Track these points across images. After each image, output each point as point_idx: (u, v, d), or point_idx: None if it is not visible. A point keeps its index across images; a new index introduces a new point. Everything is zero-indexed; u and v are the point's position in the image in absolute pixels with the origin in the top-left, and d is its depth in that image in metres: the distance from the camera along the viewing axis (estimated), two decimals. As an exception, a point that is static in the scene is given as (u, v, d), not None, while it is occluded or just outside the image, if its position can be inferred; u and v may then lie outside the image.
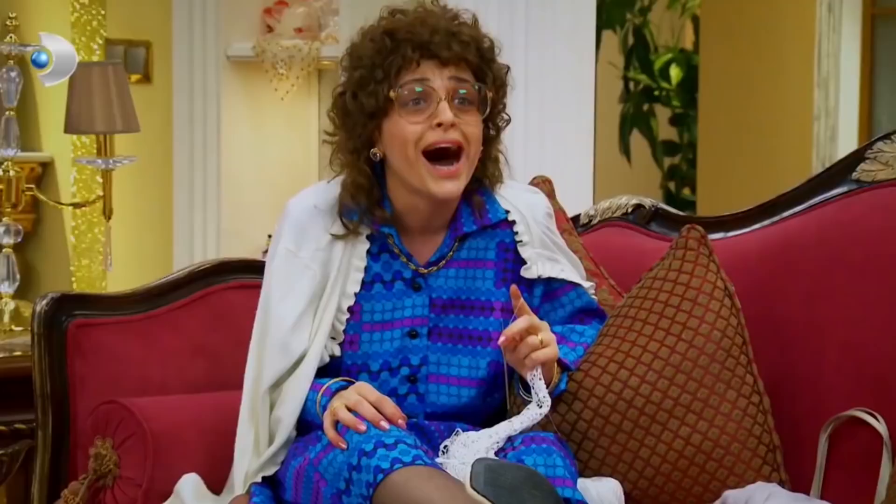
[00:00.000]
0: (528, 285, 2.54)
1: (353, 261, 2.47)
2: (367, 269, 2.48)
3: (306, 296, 2.45)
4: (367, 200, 2.45)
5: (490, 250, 2.52)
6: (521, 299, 2.35)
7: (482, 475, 2.11)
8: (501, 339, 2.33)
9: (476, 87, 2.42)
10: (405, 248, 2.48)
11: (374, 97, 2.40)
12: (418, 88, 2.39)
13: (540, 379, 2.35)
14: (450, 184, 2.40)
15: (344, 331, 2.46)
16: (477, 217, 2.50)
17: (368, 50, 2.41)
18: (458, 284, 2.50)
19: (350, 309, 2.46)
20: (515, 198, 2.55)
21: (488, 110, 2.44)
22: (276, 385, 2.45)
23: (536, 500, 2.11)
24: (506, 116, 2.52)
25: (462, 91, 2.41)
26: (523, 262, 2.53)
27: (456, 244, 2.50)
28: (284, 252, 2.47)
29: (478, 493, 2.10)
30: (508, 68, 2.50)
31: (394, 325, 2.48)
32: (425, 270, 2.49)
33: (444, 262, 2.50)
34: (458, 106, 2.40)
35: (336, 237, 2.46)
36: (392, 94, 2.39)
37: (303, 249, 2.46)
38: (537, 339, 2.33)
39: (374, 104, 2.40)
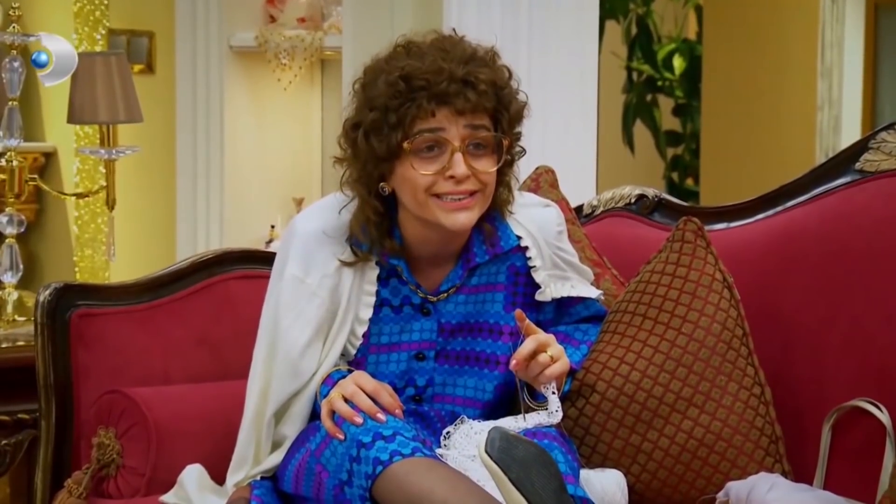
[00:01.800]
0: (538, 304, 2.53)
1: (363, 286, 2.44)
2: (376, 294, 2.45)
3: (315, 322, 2.42)
4: (376, 232, 2.41)
5: (501, 274, 2.50)
6: (527, 321, 2.35)
7: (497, 442, 2.11)
8: (512, 363, 2.33)
9: (492, 134, 2.37)
10: (414, 278, 2.46)
11: (386, 142, 2.34)
12: (432, 138, 2.34)
13: (553, 393, 2.35)
14: (462, 215, 2.36)
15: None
16: (489, 247, 2.47)
17: (382, 92, 2.34)
18: (467, 309, 2.48)
19: (362, 333, 2.45)
20: (526, 218, 2.51)
21: (503, 157, 2.39)
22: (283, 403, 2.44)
23: (543, 479, 2.11)
24: (521, 149, 2.46)
25: (477, 139, 2.35)
26: (534, 285, 2.51)
27: (466, 274, 2.48)
28: (291, 278, 2.42)
29: (490, 458, 2.10)
30: (526, 103, 2.43)
31: (401, 348, 2.47)
32: (434, 298, 2.47)
33: (454, 289, 2.48)
34: (473, 151, 2.35)
35: (344, 264, 2.43)
36: (406, 145, 2.33)
37: (310, 276, 2.42)
38: (547, 357, 2.34)
39: (387, 149, 2.34)
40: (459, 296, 2.47)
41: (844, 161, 2.69)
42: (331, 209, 2.46)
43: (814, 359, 2.56)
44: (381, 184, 2.39)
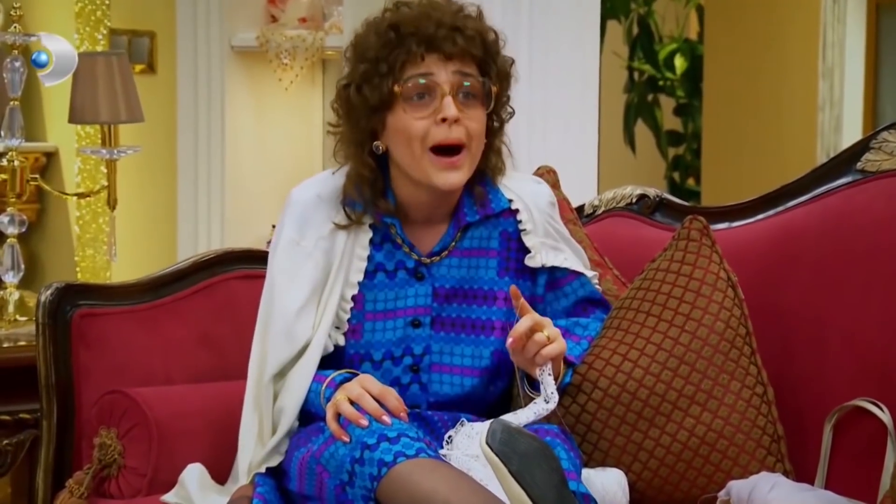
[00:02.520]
0: (531, 274, 2.54)
1: (356, 250, 2.47)
2: (369, 259, 2.48)
3: (309, 284, 2.45)
4: (370, 192, 2.45)
5: (493, 239, 2.52)
6: (522, 298, 2.35)
7: (498, 434, 2.11)
8: (509, 340, 2.33)
9: (480, 81, 2.42)
10: (408, 238, 2.48)
11: (377, 91, 2.39)
12: (422, 82, 2.39)
13: (549, 374, 2.35)
14: (452, 175, 2.40)
15: (347, 320, 2.47)
16: (479, 207, 2.50)
17: (373, 43, 2.41)
18: (460, 274, 2.50)
19: (353, 298, 2.47)
20: (518, 187, 2.55)
21: (492, 104, 2.44)
22: (280, 374, 2.45)
23: (544, 473, 2.11)
24: (510, 109, 2.52)
25: (466, 85, 2.41)
26: (526, 251, 2.53)
27: (459, 234, 2.50)
28: (287, 241, 2.47)
29: (491, 449, 2.10)
30: (513, 61, 2.50)
31: (396, 315, 2.48)
32: (428, 260, 2.49)
33: (446, 252, 2.50)
34: (462, 100, 2.40)
35: (339, 226, 2.47)
36: (396, 88, 2.39)
37: (305, 238, 2.46)
38: (544, 336, 2.34)
39: (378, 98, 2.40)
40: (452, 259, 2.50)
41: (845, 161, 2.69)
42: (325, 177, 2.52)
43: (815, 358, 2.56)
44: (375, 143, 2.43)
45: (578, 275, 2.58)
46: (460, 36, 2.39)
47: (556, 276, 2.56)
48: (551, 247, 2.54)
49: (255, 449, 2.43)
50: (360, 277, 2.47)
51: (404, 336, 2.48)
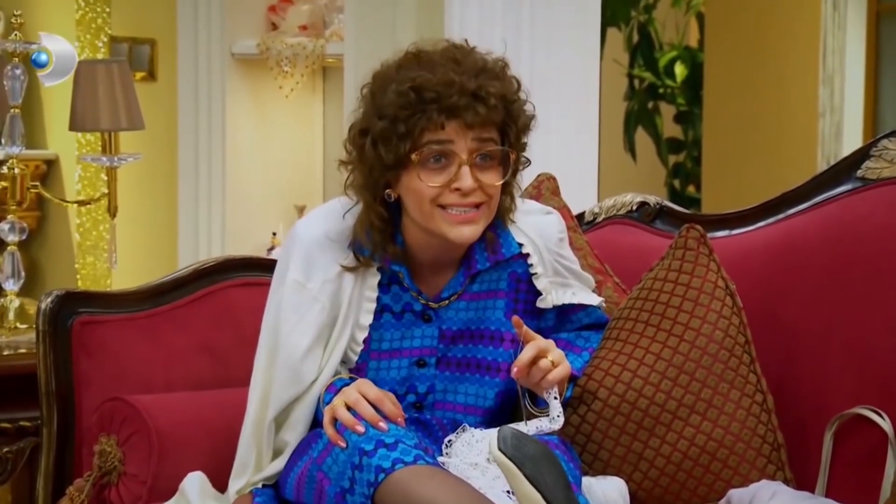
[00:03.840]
0: (540, 311, 2.53)
1: (364, 292, 2.44)
2: (377, 300, 2.46)
3: (315, 327, 2.42)
4: (380, 238, 2.41)
5: (502, 281, 2.50)
6: (524, 327, 2.35)
7: (510, 440, 2.12)
8: (514, 370, 2.33)
9: (500, 149, 2.37)
10: (415, 284, 2.45)
11: (394, 152, 2.34)
12: (440, 150, 2.34)
13: (556, 398, 2.35)
14: (466, 229, 2.36)
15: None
16: (490, 254, 2.47)
17: (391, 101, 2.33)
18: (468, 316, 2.48)
19: (362, 339, 2.46)
20: (528, 225, 2.51)
21: (510, 171, 2.39)
22: (284, 409, 2.44)
23: (552, 477, 2.12)
24: (525, 160, 2.46)
25: (485, 152, 2.36)
26: (536, 292, 2.51)
27: (468, 281, 2.48)
28: (293, 283, 2.42)
29: (504, 455, 2.11)
30: (534, 116, 2.43)
31: (402, 354, 2.47)
32: (436, 305, 2.47)
33: (455, 296, 2.48)
34: (480, 163, 2.36)
35: (346, 269, 2.43)
36: (414, 156, 2.33)
37: (311, 280, 2.42)
38: (548, 362, 2.34)
39: (394, 159, 2.34)
40: (461, 302, 2.47)
41: (846, 168, 2.69)
42: (333, 214, 2.46)
43: (815, 366, 2.56)
44: (387, 191, 2.39)
45: (586, 306, 2.57)
46: (482, 105, 2.32)
47: (564, 309, 2.56)
48: (560, 284, 2.53)
49: (251, 475, 2.43)
50: (370, 320, 2.44)
51: (409, 375, 2.47)
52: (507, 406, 2.48)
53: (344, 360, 2.45)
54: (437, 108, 2.31)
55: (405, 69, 2.36)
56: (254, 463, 2.43)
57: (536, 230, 2.51)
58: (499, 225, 2.47)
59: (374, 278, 2.44)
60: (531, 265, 2.50)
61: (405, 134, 2.32)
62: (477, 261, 2.46)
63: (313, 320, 2.42)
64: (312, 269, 2.42)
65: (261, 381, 2.44)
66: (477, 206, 2.36)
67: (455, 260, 2.47)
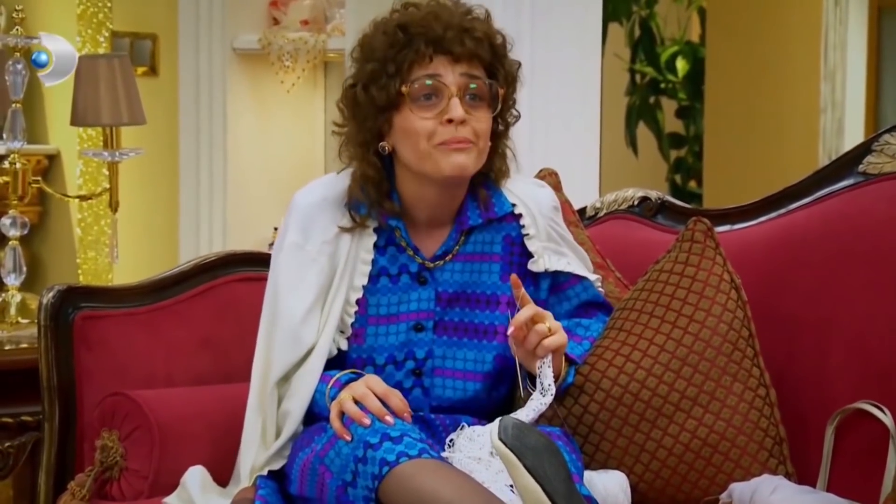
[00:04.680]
0: (534, 279, 2.54)
1: (360, 254, 2.47)
2: (373, 263, 2.48)
3: (314, 288, 2.45)
4: (375, 192, 2.45)
5: (496, 244, 2.52)
6: (522, 289, 2.35)
7: (510, 430, 2.12)
8: (510, 329, 2.33)
9: (487, 83, 2.42)
10: (412, 241, 2.48)
11: (385, 91, 2.39)
12: (430, 83, 2.39)
13: (549, 367, 2.35)
14: (460, 156, 2.39)
15: (351, 324, 2.47)
16: (483, 210, 2.50)
17: (381, 43, 2.41)
18: (463, 278, 2.50)
19: (357, 302, 2.47)
20: (522, 191, 2.54)
21: (499, 107, 2.45)
22: (285, 378, 2.45)
23: (554, 468, 2.12)
24: (515, 112, 2.52)
25: (473, 87, 2.41)
26: (530, 256, 2.53)
27: (462, 238, 2.50)
28: (291, 245, 2.47)
29: (505, 445, 2.11)
30: (520, 64, 2.50)
31: (399, 319, 2.48)
32: (431, 264, 2.49)
33: (450, 256, 2.50)
34: (469, 102, 2.40)
35: (343, 230, 2.46)
36: (404, 88, 2.38)
37: (309, 242, 2.46)
38: (545, 327, 2.34)
39: (385, 98, 2.40)
40: (456, 263, 2.50)
41: (847, 163, 2.69)
42: (330, 180, 2.52)
43: (817, 361, 2.56)
44: (381, 144, 2.43)
45: (581, 279, 2.58)
46: (469, 38, 2.39)
47: (559, 280, 2.56)
48: (554, 251, 2.54)
49: (257, 452, 2.43)
50: (365, 281, 2.47)
51: (407, 340, 2.48)
52: (507, 372, 2.48)
53: (341, 329, 2.46)
54: (423, 41, 2.38)
55: (392, 16, 2.44)
56: (259, 433, 2.44)
57: (530, 196, 2.55)
58: (491, 185, 2.51)
59: (369, 239, 2.47)
60: (524, 226, 2.51)
61: (395, 71, 2.39)
62: (469, 217, 2.49)
63: (312, 281, 2.45)
64: (310, 231, 2.46)
65: (263, 347, 2.47)
66: (468, 143, 2.40)
67: (448, 218, 2.49)
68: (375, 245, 2.48)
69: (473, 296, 2.50)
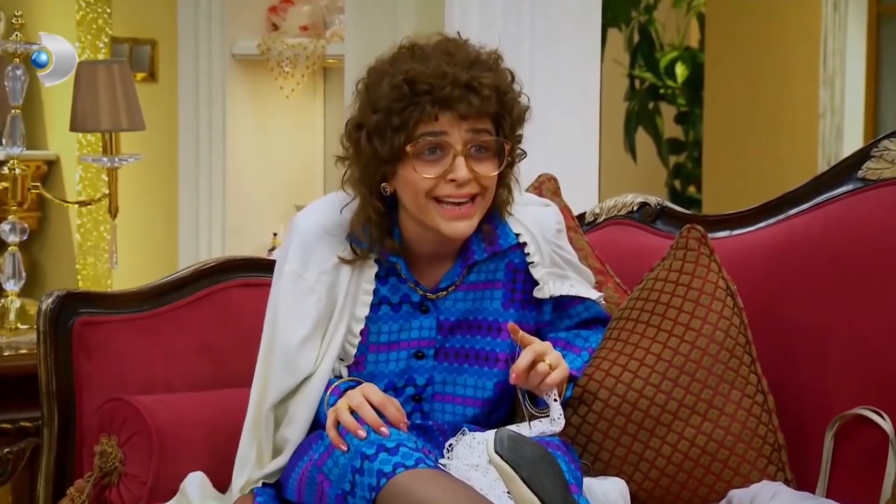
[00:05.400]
0: (537, 304, 2.53)
1: (361, 284, 2.45)
2: (374, 292, 2.46)
3: (312, 318, 2.43)
4: (377, 232, 2.42)
5: (499, 272, 2.50)
6: (521, 332, 2.35)
7: (506, 442, 2.12)
8: (513, 376, 2.33)
9: (494, 139, 2.38)
10: (412, 276, 2.46)
11: (388, 145, 2.35)
12: (435, 141, 2.35)
13: (555, 400, 2.35)
14: (462, 224, 2.37)
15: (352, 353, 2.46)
16: (487, 245, 2.47)
17: (385, 94, 2.35)
18: (466, 306, 2.49)
19: (360, 332, 2.46)
20: (525, 216, 2.51)
21: (505, 161, 2.40)
22: (283, 403, 2.44)
23: (550, 479, 2.12)
24: (520, 151, 2.47)
25: (479, 143, 2.37)
26: (533, 282, 2.51)
27: (465, 271, 2.49)
28: (290, 273, 2.44)
29: (501, 457, 2.10)
30: (528, 107, 2.45)
31: (400, 347, 2.47)
32: (433, 296, 2.47)
33: (453, 287, 2.48)
34: (475, 154, 2.37)
35: (343, 261, 2.44)
36: (408, 148, 2.34)
37: (308, 271, 2.43)
38: (546, 365, 2.34)
39: (389, 152, 2.36)
40: (458, 293, 2.48)
41: (847, 169, 2.69)
42: (332, 206, 2.47)
43: (816, 367, 2.56)
44: (383, 184, 2.40)
45: (584, 299, 2.57)
46: (475, 96, 2.34)
47: (562, 301, 2.55)
48: (558, 276, 2.53)
49: (251, 471, 2.43)
50: (367, 312, 2.45)
51: (407, 367, 2.47)
52: (507, 396, 2.48)
53: (342, 357, 2.45)
54: (430, 99, 2.33)
55: (399, 62, 2.37)
56: (254, 457, 2.43)
57: (534, 221, 2.52)
58: (496, 217, 2.48)
59: (371, 270, 2.45)
60: (528, 254, 2.50)
61: (399, 126, 2.34)
62: (474, 252, 2.47)
63: (310, 310, 2.43)
64: (310, 259, 2.44)
65: (261, 371, 2.46)
66: (472, 197, 2.37)
67: (452, 252, 2.48)
68: (377, 275, 2.46)
69: (475, 322, 2.49)
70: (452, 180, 2.35)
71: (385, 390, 2.42)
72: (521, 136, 2.45)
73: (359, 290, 2.45)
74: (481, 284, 2.49)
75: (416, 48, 2.39)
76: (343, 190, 2.45)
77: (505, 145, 2.39)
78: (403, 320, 2.47)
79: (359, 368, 2.45)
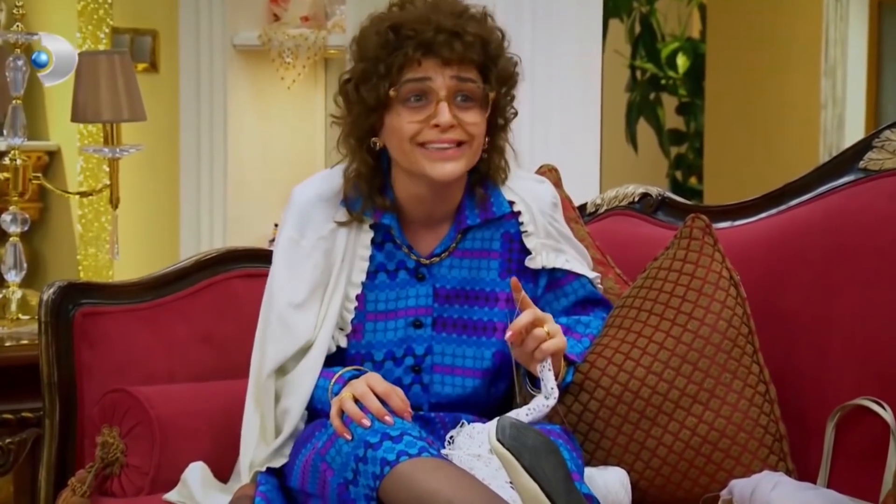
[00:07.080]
0: (532, 275, 2.54)
1: (357, 250, 2.47)
2: (371, 259, 2.48)
3: (309, 283, 2.45)
4: (367, 187, 2.45)
5: (495, 241, 2.52)
6: (523, 292, 2.35)
7: (507, 430, 2.12)
8: (508, 333, 2.33)
9: (479, 86, 2.41)
10: (406, 239, 2.48)
11: (374, 92, 2.40)
12: (418, 86, 2.38)
13: (549, 370, 2.35)
14: (447, 165, 2.39)
15: (350, 320, 2.47)
16: (480, 210, 2.49)
17: (372, 43, 2.40)
18: (462, 275, 2.50)
19: (356, 297, 2.47)
20: (521, 188, 2.54)
21: (490, 109, 2.43)
22: (282, 372, 2.45)
23: (552, 467, 2.12)
24: (513, 110, 2.50)
25: (464, 90, 2.40)
26: (528, 253, 2.53)
27: (459, 236, 2.50)
28: (287, 240, 2.48)
29: (502, 445, 2.10)
30: (518, 62, 2.48)
31: (397, 315, 2.48)
32: (428, 261, 2.49)
33: (446, 253, 2.50)
34: (460, 104, 2.40)
35: (340, 224, 2.47)
36: (392, 92, 2.38)
37: (305, 237, 2.47)
38: (544, 331, 2.33)
39: (375, 99, 2.40)
40: (453, 259, 2.49)
41: (848, 159, 2.69)
42: (328, 177, 2.51)
43: (817, 357, 2.56)
44: (373, 138, 2.44)
45: (579, 276, 2.57)
46: (459, 41, 2.37)
47: (557, 277, 2.56)
48: (552, 248, 2.54)
49: (257, 447, 2.43)
50: (363, 277, 2.47)
51: (406, 336, 2.48)
52: (506, 369, 2.48)
53: (341, 327, 2.46)
54: (413, 44, 2.37)
55: (388, 15, 2.43)
56: (258, 428, 2.43)
57: (529, 192, 2.54)
58: (489, 185, 2.50)
59: (367, 235, 2.48)
60: (522, 223, 2.51)
61: (384, 73, 2.38)
62: (467, 216, 2.49)
63: (307, 276, 2.45)
64: (307, 226, 2.47)
65: (259, 340, 2.48)
66: (458, 144, 2.39)
67: (446, 217, 2.49)
68: (373, 241, 2.48)
69: (472, 293, 2.50)
70: (436, 125, 2.37)
71: (384, 360, 2.45)
72: (512, 96, 2.48)
73: (355, 255, 2.47)
74: (477, 252, 2.50)
75: (405, 3, 2.44)
76: (338, 150, 2.49)
77: (490, 94, 2.41)
78: (400, 288, 2.48)
79: (356, 337, 2.46)
